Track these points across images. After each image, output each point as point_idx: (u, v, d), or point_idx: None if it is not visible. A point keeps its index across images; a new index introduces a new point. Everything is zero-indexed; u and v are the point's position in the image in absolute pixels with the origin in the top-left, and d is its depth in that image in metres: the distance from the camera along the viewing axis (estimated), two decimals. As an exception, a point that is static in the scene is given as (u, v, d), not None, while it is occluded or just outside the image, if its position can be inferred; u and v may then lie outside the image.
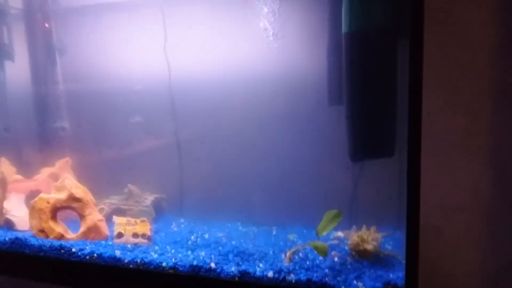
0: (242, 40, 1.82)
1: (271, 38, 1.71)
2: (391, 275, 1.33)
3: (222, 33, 1.86)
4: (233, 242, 1.65)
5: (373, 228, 1.50)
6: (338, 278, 1.33)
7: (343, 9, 1.46)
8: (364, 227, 1.51)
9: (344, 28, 1.47)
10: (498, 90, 1.50)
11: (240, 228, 1.88)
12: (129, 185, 1.94)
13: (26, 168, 1.99)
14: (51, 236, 1.68)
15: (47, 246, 1.63)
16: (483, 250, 1.59)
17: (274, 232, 1.80)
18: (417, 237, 1.24)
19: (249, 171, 1.90)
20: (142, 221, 1.66)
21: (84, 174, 1.93)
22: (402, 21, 1.36)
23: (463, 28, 1.49)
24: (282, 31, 1.71)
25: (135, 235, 1.63)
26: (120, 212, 1.89)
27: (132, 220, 1.66)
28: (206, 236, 1.74)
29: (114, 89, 2.02)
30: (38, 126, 2.12)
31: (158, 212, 1.95)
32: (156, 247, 1.61)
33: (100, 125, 2.08)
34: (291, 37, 1.74)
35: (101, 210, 1.85)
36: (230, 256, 1.50)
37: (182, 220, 1.96)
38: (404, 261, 1.36)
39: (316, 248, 1.40)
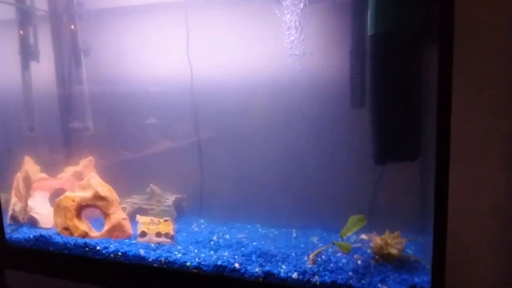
0: (263, 43, 1.83)
1: (294, 41, 1.72)
2: (416, 279, 1.33)
3: (244, 36, 1.88)
4: (255, 243, 1.67)
5: (397, 233, 1.50)
6: (363, 281, 1.34)
7: (369, 11, 1.47)
8: (387, 231, 1.51)
9: (370, 30, 1.48)
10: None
11: (259, 229, 1.89)
12: (151, 184, 1.96)
13: (50, 167, 2.01)
14: (76, 234, 1.71)
15: (72, 244, 1.66)
16: (502, 256, 1.58)
17: (294, 235, 1.81)
18: (444, 242, 1.24)
19: (269, 173, 1.90)
20: (165, 220, 1.68)
21: (106, 173, 1.95)
22: (428, 23, 1.37)
23: (486, 30, 1.49)
24: (305, 34, 1.72)
25: (158, 234, 1.65)
26: (142, 211, 1.91)
27: (156, 219, 1.68)
28: (227, 236, 1.76)
29: (137, 90, 2.05)
30: (62, 126, 2.16)
31: (179, 212, 1.96)
32: (179, 247, 1.63)
33: (123, 125, 2.10)
34: (313, 40, 1.75)
35: (123, 209, 1.87)
36: (253, 257, 1.51)
37: (202, 221, 1.98)
38: (427, 266, 1.37)
39: (340, 246, 1.42)
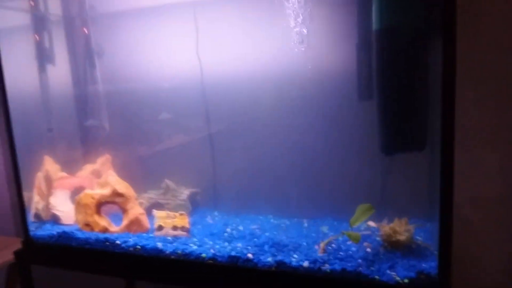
0: (272, 39, 1.86)
1: (302, 36, 1.75)
2: (423, 265, 1.36)
3: (252, 32, 1.91)
4: (267, 234, 1.72)
5: (404, 219, 1.53)
6: (372, 268, 1.38)
7: (373, 6, 1.50)
8: (396, 219, 1.55)
9: (375, 25, 1.51)
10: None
11: (272, 220, 1.94)
12: (166, 180, 2.02)
13: (69, 165, 2.10)
14: (96, 229, 1.78)
15: (93, 239, 1.74)
16: (511, 242, 1.61)
17: (305, 225, 1.85)
18: (450, 227, 1.27)
19: (280, 165, 1.95)
20: (181, 214, 1.74)
21: (122, 170, 2.03)
22: (433, 18, 1.39)
23: (494, 23, 1.51)
24: (312, 29, 1.75)
25: (174, 227, 1.72)
26: (158, 206, 1.98)
27: (171, 213, 1.74)
28: (241, 228, 1.81)
29: (149, 88, 2.12)
30: (79, 126, 2.24)
31: (193, 206, 2.02)
32: (195, 239, 1.69)
33: (137, 122, 2.17)
34: (321, 34, 1.78)
35: (140, 204, 1.94)
36: (266, 247, 1.57)
37: (216, 213, 2.04)
38: (436, 252, 1.41)
39: (349, 236, 1.46)
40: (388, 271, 1.36)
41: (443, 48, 1.21)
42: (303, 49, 1.74)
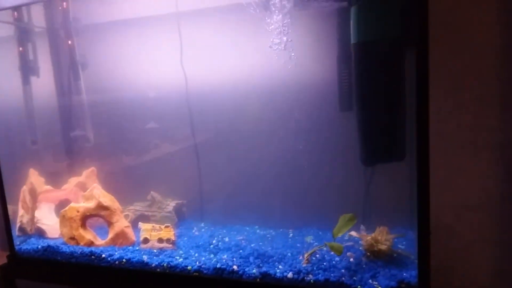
0: (255, 51, 1.89)
1: (283, 48, 1.78)
2: (404, 274, 1.40)
3: (235, 44, 1.94)
4: (253, 245, 1.73)
5: (383, 228, 1.56)
6: (354, 278, 1.41)
7: (351, 21, 1.54)
8: (377, 229, 1.58)
9: (353, 39, 1.55)
10: (506, 89, 1.56)
11: (258, 231, 1.95)
12: (152, 192, 2.03)
13: (54, 178, 2.09)
14: (82, 243, 1.78)
15: (78, 252, 1.74)
16: (494, 247, 1.65)
17: (290, 235, 1.87)
18: (428, 236, 1.31)
19: (265, 176, 1.97)
20: (166, 226, 1.75)
21: (107, 182, 2.03)
22: (409, 31, 1.43)
23: (470, 30, 1.56)
24: (294, 41, 1.77)
25: (160, 240, 1.73)
26: (144, 218, 1.98)
27: (157, 226, 1.75)
28: (227, 239, 1.82)
29: (134, 99, 2.12)
30: (64, 138, 2.23)
31: (179, 217, 2.03)
32: (181, 251, 1.70)
33: (121, 133, 2.18)
34: (303, 47, 1.81)
35: (125, 217, 1.94)
36: (251, 259, 1.58)
37: (202, 225, 2.05)
38: (416, 260, 1.44)
39: (332, 247, 1.49)
40: (370, 281, 1.39)
41: (416, 59, 1.25)
42: (284, 61, 1.77)
